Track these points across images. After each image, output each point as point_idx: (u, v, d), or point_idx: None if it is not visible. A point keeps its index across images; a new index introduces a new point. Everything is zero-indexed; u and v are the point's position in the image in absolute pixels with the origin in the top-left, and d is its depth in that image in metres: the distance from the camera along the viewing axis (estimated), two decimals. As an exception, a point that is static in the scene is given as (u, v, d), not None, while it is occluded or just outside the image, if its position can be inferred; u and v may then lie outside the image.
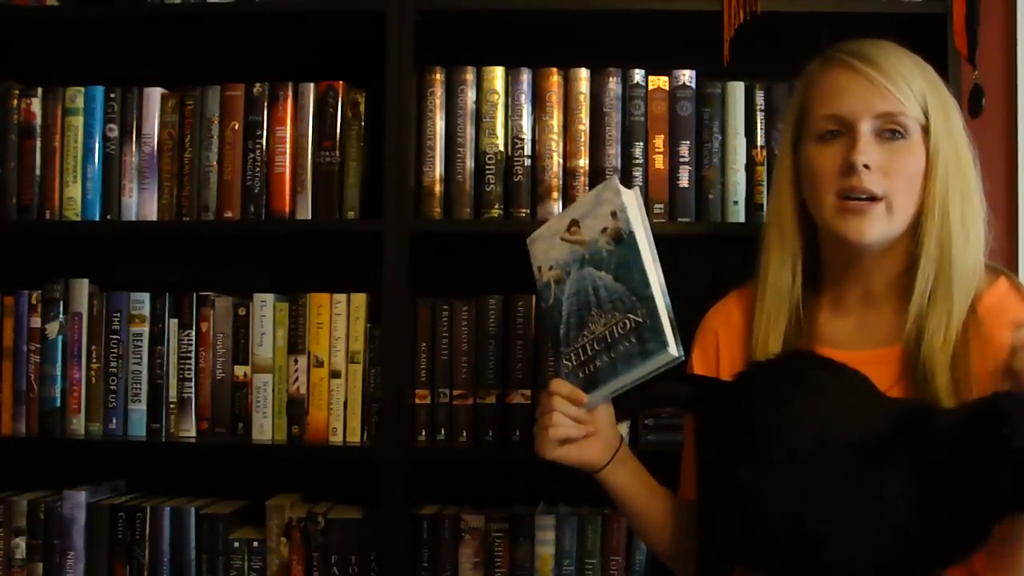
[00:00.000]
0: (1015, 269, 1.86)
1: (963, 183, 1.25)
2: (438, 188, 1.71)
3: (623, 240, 1.26)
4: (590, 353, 1.27)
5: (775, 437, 1.16)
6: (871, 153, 1.22)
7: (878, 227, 1.23)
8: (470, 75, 1.72)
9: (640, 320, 1.24)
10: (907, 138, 1.23)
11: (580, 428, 1.28)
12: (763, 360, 1.27)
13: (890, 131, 1.23)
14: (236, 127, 1.76)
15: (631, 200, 1.29)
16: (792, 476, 1.12)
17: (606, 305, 1.27)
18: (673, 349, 1.23)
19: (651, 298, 1.24)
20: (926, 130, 1.23)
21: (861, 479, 1.09)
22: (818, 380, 1.19)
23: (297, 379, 1.74)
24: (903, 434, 1.09)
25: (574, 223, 1.30)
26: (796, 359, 1.26)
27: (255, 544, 1.73)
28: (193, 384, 1.76)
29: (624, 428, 1.69)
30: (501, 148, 1.71)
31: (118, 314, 1.77)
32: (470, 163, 1.72)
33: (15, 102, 1.79)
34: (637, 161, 1.70)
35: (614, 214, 1.27)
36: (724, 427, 1.23)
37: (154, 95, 1.78)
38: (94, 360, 1.77)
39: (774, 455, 1.15)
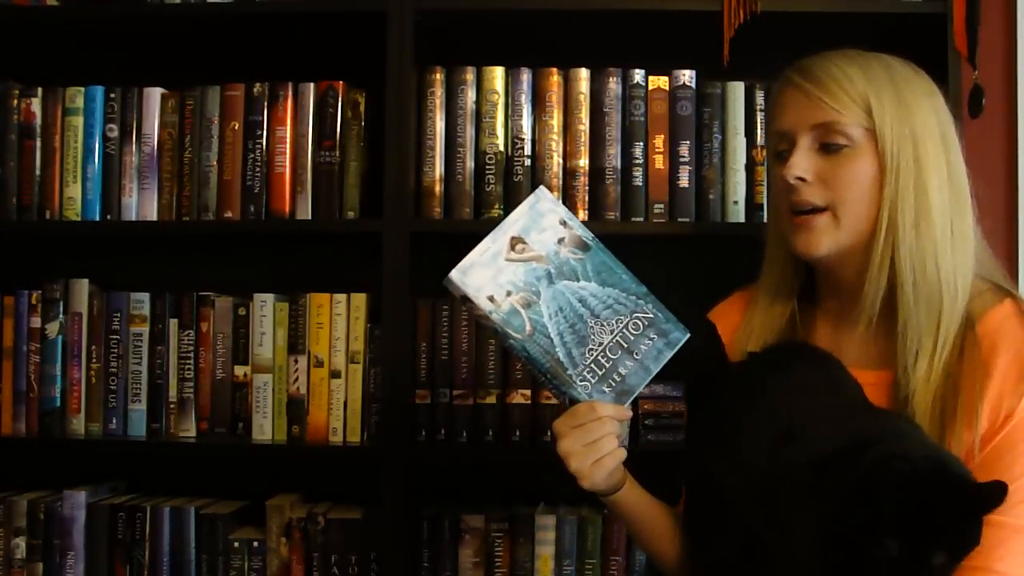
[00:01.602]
0: (1015, 270, 1.86)
1: (919, 184, 1.19)
2: (438, 188, 1.71)
3: (589, 247, 1.25)
4: (607, 365, 1.23)
5: (745, 427, 1.15)
6: (805, 164, 1.20)
7: (825, 239, 1.21)
8: (470, 75, 1.72)
9: (651, 316, 1.24)
10: (851, 146, 1.20)
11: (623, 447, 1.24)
12: (760, 351, 1.27)
13: (829, 143, 1.21)
14: (236, 127, 1.76)
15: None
16: (752, 473, 1.11)
17: (603, 313, 1.24)
18: (686, 328, 1.26)
19: (649, 293, 1.25)
20: (873, 133, 1.20)
21: (804, 493, 1.07)
22: (801, 376, 1.18)
23: (297, 379, 1.74)
24: (840, 459, 1.05)
25: (518, 240, 1.23)
26: (789, 350, 1.26)
27: (255, 544, 1.73)
28: (193, 384, 1.76)
29: (625, 428, 1.70)
30: (501, 148, 1.71)
31: (118, 314, 1.77)
32: (470, 163, 1.72)
33: (15, 102, 1.79)
34: (637, 161, 1.70)
35: (564, 223, 1.25)
36: (711, 415, 1.24)
37: (154, 95, 1.78)
38: (94, 360, 1.77)
39: (740, 446, 1.14)
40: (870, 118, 1.20)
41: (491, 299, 1.22)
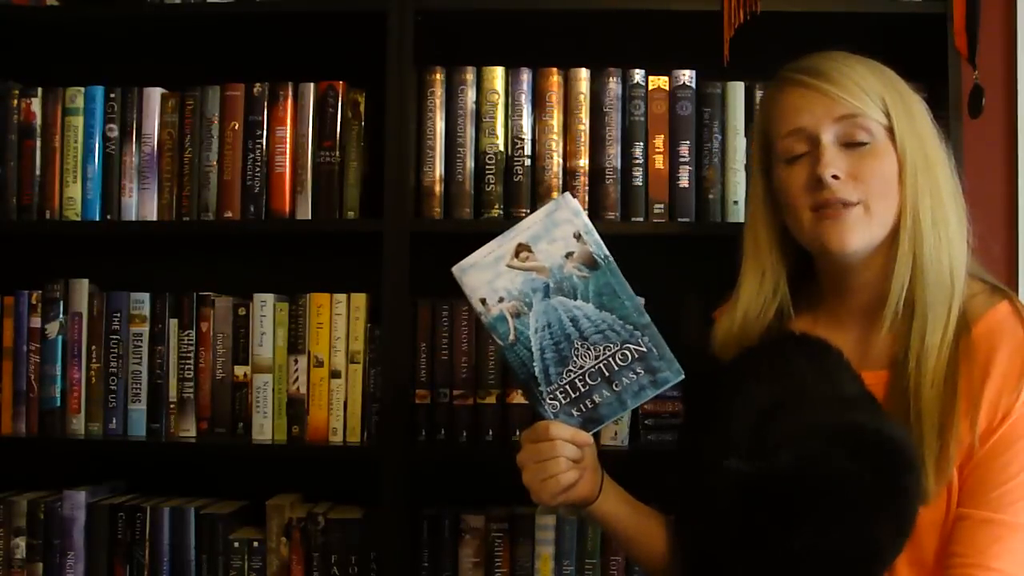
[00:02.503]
0: (1015, 270, 1.86)
1: (932, 183, 1.22)
2: (438, 188, 1.71)
3: (599, 266, 1.21)
4: (583, 389, 1.21)
5: (734, 409, 1.17)
6: (837, 162, 1.20)
7: (859, 233, 1.21)
8: (470, 75, 1.72)
9: (644, 350, 1.20)
10: (873, 142, 1.21)
11: (579, 468, 1.24)
12: (753, 345, 1.28)
13: (854, 138, 1.21)
14: (236, 127, 1.76)
15: (586, 217, 1.23)
16: (731, 450, 1.13)
17: (593, 337, 1.20)
18: (681, 370, 1.22)
19: (650, 325, 1.21)
20: (891, 132, 1.21)
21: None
22: (790, 364, 1.18)
23: (297, 379, 1.74)
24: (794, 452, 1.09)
25: (524, 248, 1.21)
26: (785, 340, 1.25)
27: (255, 544, 1.73)
28: (193, 384, 1.76)
29: (625, 428, 1.69)
30: (501, 148, 1.71)
31: (118, 314, 1.77)
32: (470, 163, 1.72)
33: (15, 102, 1.78)
34: (637, 161, 1.70)
35: (578, 236, 1.21)
36: (703, 408, 1.25)
37: (154, 95, 1.78)
38: (94, 360, 1.77)
39: (728, 427, 1.15)
40: (888, 117, 1.21)
41: (483, 302, 1.22)
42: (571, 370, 1.21)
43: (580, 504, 1.29)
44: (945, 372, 1.18)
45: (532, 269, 1.21)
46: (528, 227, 1.22)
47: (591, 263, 1.20)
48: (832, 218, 1.21)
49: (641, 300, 1.27)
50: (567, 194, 1.24)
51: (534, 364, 1.21)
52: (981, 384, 1.17)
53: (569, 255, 1.20)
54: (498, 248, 1.22)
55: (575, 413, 1.21)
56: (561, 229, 1.21)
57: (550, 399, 1.21)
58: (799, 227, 1.25)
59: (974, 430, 1.16)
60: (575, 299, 1.20)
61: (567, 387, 1.21)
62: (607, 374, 1.20)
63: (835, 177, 1.20)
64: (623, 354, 1.20)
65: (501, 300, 1.21)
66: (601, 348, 1.20)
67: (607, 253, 1.21)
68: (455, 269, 1.23)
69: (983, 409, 1.16)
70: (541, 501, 1.23)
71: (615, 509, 1.32)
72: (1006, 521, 1.13)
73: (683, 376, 1.21)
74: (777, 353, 1.22)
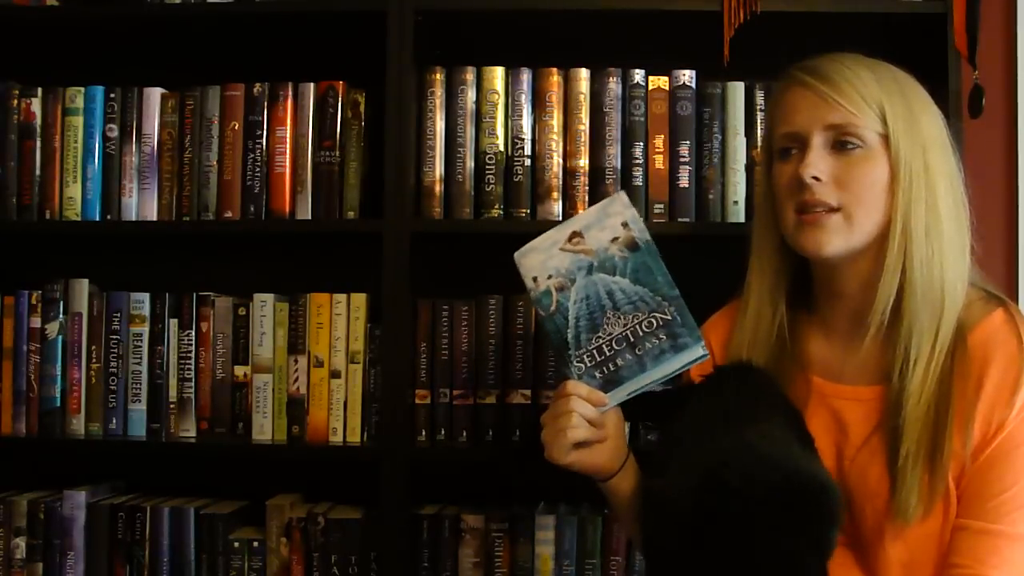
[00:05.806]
0: (1015, 271, 1.86)
1: (929, 193, 1.20)
2: (438, 188, 1.71)
3: (639, 247, 1.30)
4: (608, 353, 1.28)
5: (680, 433, 1.23)
6: (821, 165, 1.20)
7: (836, 239, 1.20)
8: (470, 75, 1.72)
9: (669, 318, 1.27)
10: (864, 148, 1.20)
11: (595, 432, 1.25)
12: (724, 366, 1.31)
13: (843, 143, 1.20)
14: (236, 127, 1.76)
15: (635, 210, 1.35)
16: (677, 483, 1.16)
17: (624, 307, 1.28)
18: (704, 344, 1.27)
19: (679, 297, 1.28)
20: (887, 139, 1.20)
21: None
22: (722, 402, 1.21)
23: (297, 379, 1.74)
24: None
25: (576, 234, 1.33)
26: (738, 371, 1.28)
27: (255, 544, 1.73)
28: (193, 384, 1.76)
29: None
30: (501, 148, 1.71)
31: (118, 314, 1.77)
32: (470, 163, 1.72)
33: (15, 102, 1.79)
34: (637, 161, 1.70)
35: (625, 224, 1.32)
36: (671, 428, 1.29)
37: (154, 95, 1.79)
38: (94, 360, 1.77)
39: (675, 450, 1.21)
40: (884, 124, 1.20)
41: (534, 280, 1.33)
42: (600, 336, 1.29)
43: (598, 474, 1.30)
44: (937, 386, 1.18)
45: (581, 251, 1.33)
46: (583, 217, 1.35)
47: (633, 246, 1.31)
48: (811, 223, 1.21)
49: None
50: (622, 192, 1.36)
51: (568, 331, 1.30)
52: (975, 397, 1.16)
53: (615, 239, 1.32)
54: (555, 235, 1.34)
55: (598, 375, 1.28)
56: (611, 219, 1.33)
57: (576, 362, 1.29)
58: (785, 227, 1.26)
59: (966, 443, 1.16)
60: (614, 275, 1.31)
61: (594, 351, 1.29)
62: (632, 340, 1.28)
63: (816, 179, 1.20)
64: (649, 322, 1.28)
65: (550, 277, 1.33)
66: (630, 317, 1.28)
67: (649, 238, 1.31)
68: (516, 254, 1.34)
69: (977, 422, 1.16)
70: (552, 457, 1.26)
71: (633, 492, 1.32)
72: (1003, 531, 1.14)
73: (702, 350, 1.27)
74: (712, 388, 1.26)
